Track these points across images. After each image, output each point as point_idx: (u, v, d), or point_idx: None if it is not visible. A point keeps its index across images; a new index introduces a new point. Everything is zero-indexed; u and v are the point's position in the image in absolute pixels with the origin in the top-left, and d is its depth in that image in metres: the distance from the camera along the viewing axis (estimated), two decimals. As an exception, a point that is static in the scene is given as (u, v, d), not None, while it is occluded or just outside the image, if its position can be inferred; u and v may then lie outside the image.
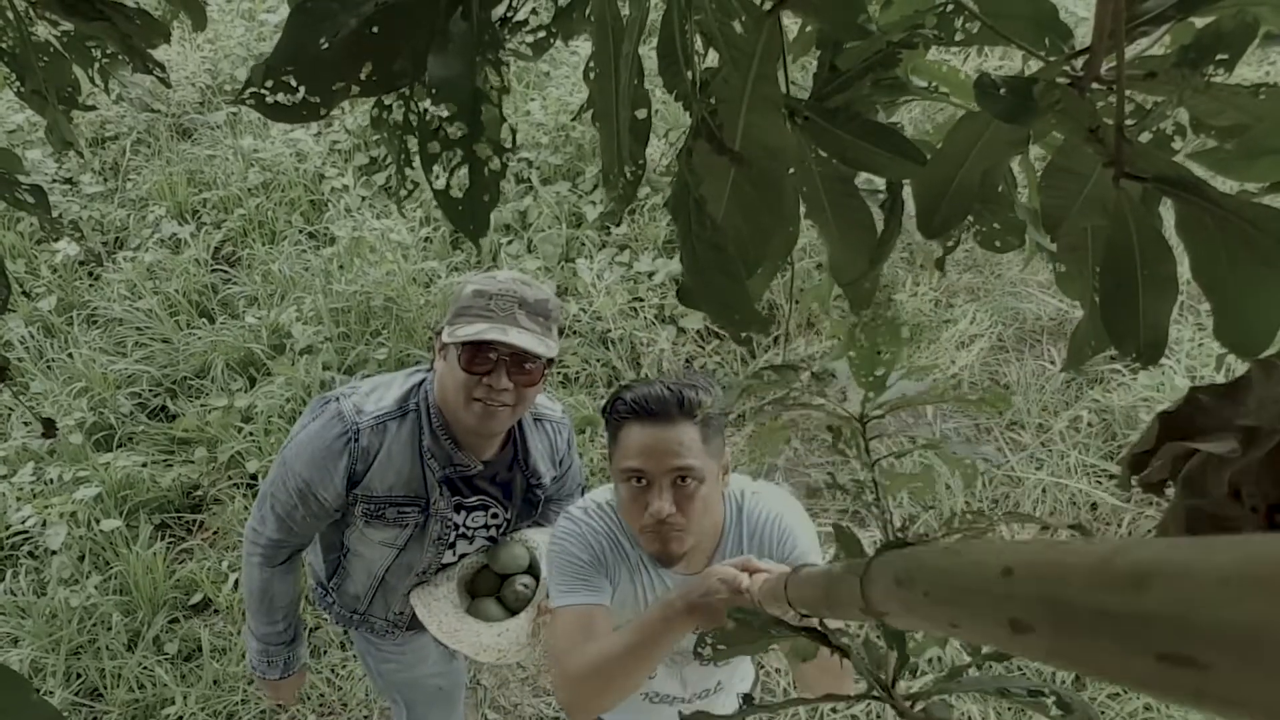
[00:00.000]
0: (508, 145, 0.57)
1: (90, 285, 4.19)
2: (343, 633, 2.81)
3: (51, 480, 3.23)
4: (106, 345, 3.85)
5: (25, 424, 3.47)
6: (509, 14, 0.69)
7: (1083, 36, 0.62)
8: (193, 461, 3.38)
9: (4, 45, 1.07)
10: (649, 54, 0.64)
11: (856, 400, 0.65)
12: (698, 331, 3.78)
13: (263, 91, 0.52)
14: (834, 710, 2.56)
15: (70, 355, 3.76)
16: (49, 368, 3.75)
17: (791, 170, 0.70)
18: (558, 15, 0.72)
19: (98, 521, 3.10)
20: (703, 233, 0.66)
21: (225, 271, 4.23)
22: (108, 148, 4.96)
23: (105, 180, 4.77)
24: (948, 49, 0.69)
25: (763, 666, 2.68)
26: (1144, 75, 0.61)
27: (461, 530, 1.72)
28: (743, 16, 0.60)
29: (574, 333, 3.76)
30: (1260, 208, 0.53)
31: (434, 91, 0.55)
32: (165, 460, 3.41)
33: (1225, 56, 0.59)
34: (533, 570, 1.77)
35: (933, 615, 0.43)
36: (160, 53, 1.10)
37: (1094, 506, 3.06)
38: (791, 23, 0.70)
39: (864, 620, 0.57)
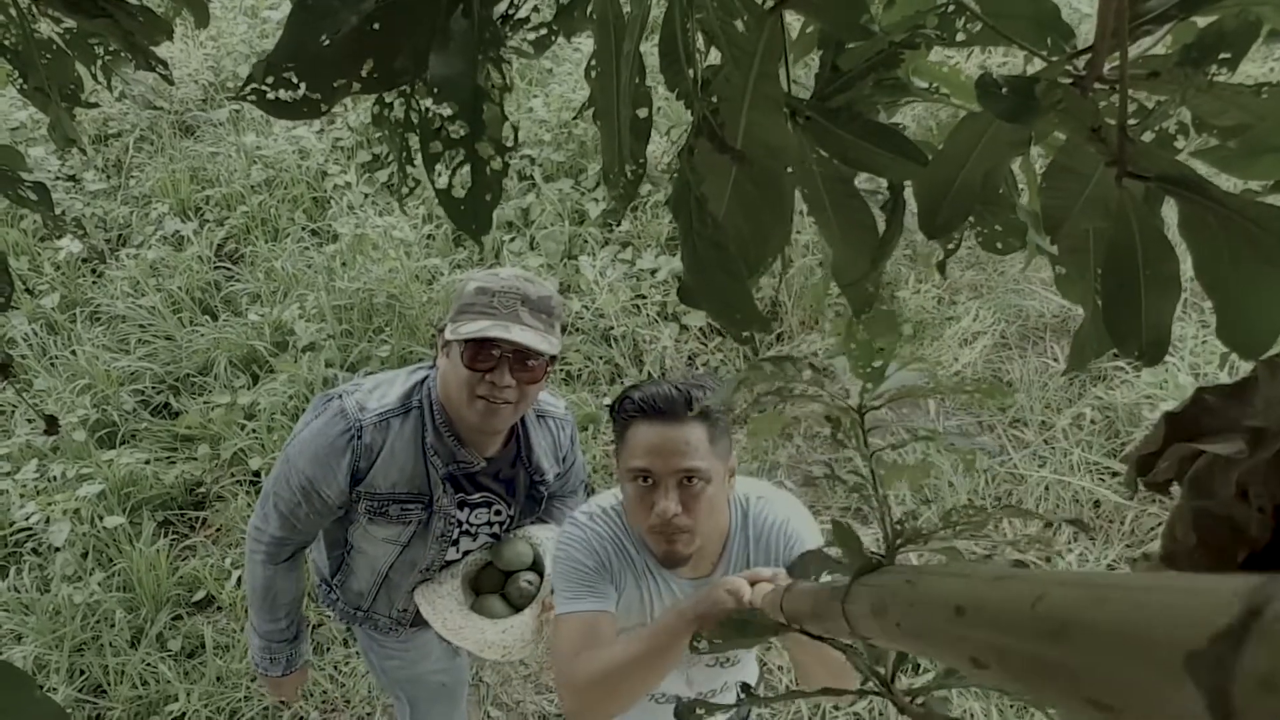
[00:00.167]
0: (509, 144, 0.57)
1: (93, 282, 4.20)
2: (345, 629, 2.82)
3: (55, 477, 3.24)
4: (109, 342, 3.86)
5: (29, 421, 3.48)
6: (510, 11, 0.69)
7: (1085, 36, 0.62)
8: (196, 459, 3.38)
9: (7, 42, 1.07)
10: (650, 52, 0.64)
11: (856, 394, 0.65)
12: (700, 329, 3.78)
13: (264, 88, 0.52)
14: (836, 707, 2.57)
15: (73, 352, 3.77)
16: (52, 365, 3.76)
17: (791, 170, 0.70)
18: (559, 13, 0.72)
19: (101, 518, 3.10)
20: (704, 231, 0.65)
21: (228, 269, 4.24)
22: (111, 145, 4.97)
23: (108, 177, 4.78)
24: (949, 49, 0.68)
25: (766, 666, 2.68)
26: (1146, 75, 0.61)
27: (465, 527, 1.72)
28: (744, 15, 0.60)
29: (576, 330, 3.76)
30: (1263, 207, 0.53)
31: (435, 90, 0.55)
32: (168, 457, 3.42)
33: (1228, 56, 0.59)
34: (537, 567, 1.77)
35: (909, 645, 0.44)
36: (163, 50, 1.10)
37: (1097, 504, 3.06)
38: (793, 21, 0.70)
39: (853, 640, 0.57)
